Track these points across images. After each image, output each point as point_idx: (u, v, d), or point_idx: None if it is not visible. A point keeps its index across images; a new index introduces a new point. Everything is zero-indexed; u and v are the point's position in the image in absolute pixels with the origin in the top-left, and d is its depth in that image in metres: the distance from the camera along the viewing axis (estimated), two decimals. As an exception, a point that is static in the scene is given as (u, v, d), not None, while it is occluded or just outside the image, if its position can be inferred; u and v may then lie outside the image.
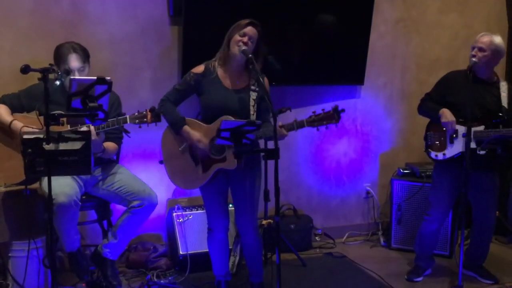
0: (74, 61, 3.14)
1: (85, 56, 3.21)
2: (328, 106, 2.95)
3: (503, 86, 3.52)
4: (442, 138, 3.56)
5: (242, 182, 3.12)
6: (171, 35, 3.95)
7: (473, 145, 3.39)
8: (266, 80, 3.11)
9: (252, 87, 3.05)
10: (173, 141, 3.15)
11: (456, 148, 3.49)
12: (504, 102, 3.47)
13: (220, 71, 3.07)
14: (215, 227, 3.22)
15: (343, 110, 2.93)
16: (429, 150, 3.65)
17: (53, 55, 3.22)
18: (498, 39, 3.44)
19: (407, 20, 4.62)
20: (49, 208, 2.58)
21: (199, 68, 3.10)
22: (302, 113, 4.32)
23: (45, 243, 3.35)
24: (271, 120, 2.87)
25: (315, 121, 2.93)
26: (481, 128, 3.42)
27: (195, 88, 3.09)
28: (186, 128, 3.05)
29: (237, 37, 2.96)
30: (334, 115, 2.92)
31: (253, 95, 3.04)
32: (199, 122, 3.09)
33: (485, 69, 3.48)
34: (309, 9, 4.13)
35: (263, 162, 3.31)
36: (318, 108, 3.03)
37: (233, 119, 2.93)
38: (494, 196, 3.60)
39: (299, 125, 2.94)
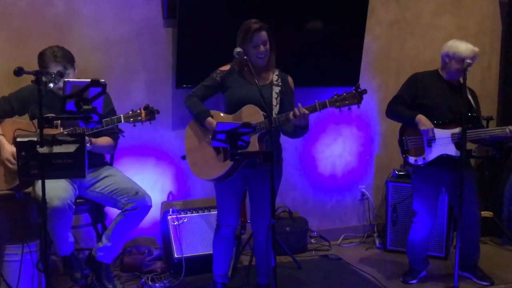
0: (55, 70, 3.09)
1: (67, 62, 3.16)
2: (326, 94, 2.95)
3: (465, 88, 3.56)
4: (420, 143, 3.55)
5: (261, 181, 3.11)
6: (166, 37, 3.94)
7: (452, 146, 3.42)
8: (291, 79, 3.21)
9: (275, 82, 3.12)
10: (197, 133, 3.18)
11: (435, 151, 3.49)
12: (472, 102, 3.53)
13: (244, 71, 3.12)
14: (223, 224, 3.22)
15: (365, 91, 2.89)
16: (407, 155, 3.58)
17: (37, 61, 3.19)
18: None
19: (402, 22, 4.63)
20: (43, 212, 2.55)
21: (226, 67, 3.16)
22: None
23: (39, 247, 3.33)
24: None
25: (337, 101, 2.90)
26: (458, 129, 3.43)
27: (221, 84, 3.14)
28: (210, 119, 3.08)
29: (252, 49, 3.01)
30: (356, 95, 2.88)
31: (276, 89, 3.09)
32: (223, 113, 3.14)
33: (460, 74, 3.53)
34: (303, 11, 4.14)
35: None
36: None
37: (257, 108, 2.98)
38: (474, 193, 3.58)
39: (321, 105, 2.92)
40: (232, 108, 3.10)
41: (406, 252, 3.84)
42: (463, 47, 3.48)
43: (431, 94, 3.54)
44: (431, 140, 3.49)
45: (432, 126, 3.46)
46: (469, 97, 3.55)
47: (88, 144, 3.09)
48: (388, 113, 3.70)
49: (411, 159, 3.56)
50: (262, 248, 3.27)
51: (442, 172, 3.50)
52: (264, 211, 3.15)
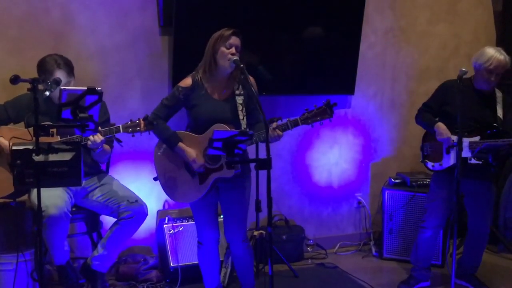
0: (58, 77, 3.09)
1: (69, 70, 3.19)
2: (320, 102, 2.92)
3: (499, 97, 3.54)
4: (439, 149, 3.57)
5: (231, 193, 3.09)
6: (162, 45, 3.94)
7: (468, 154, 3.42)
8: (252, 79, 3.04)
9: (237, 92, 3.03)
10: (168, 157, 3.10)
11: (453, 158, 3.49)
12: (499, 112, 3.49)
13: (207, 84, 3.04)
14: (205, 240, 3.19)
15: (335, 104, 2.89)
16: (426, 160, 3.67)
17: (36, 68, 3.18)
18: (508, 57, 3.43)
19: (397, 30, 4.65)
20: (39, 220, 2.54)
21: (187, 82, 3.05)
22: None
23: (34, 255, 3.30)
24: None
25: (309, 118, 2.90)
26: (477, 138, 3.43)
27: (184, 102, 3.05)
28: (181, 145, 3.01)
29: (224, 50, 2.93)
30: (327, 110, 2.88)
31: (239, 100, 3.02)
32: (191, 133, 3.06)
33: (487, 84, 3.49)
34: (299, 19, 4.15)
35: (254, 172, 3.28)
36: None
37: (226, 126, 2.93)
38: (489, 205, 3.62)
39: (293, 124, 2.91)
40: (200, 127, 3.02)
41: (410, 255, 3.84)
42: (486, 56, 3.39)
43: (457, 102, 3.51)
44: (450, 148, 3.49)
45: (450, 135, 3.45)
46: (499, 107, 3.51)
47: (99, 146, 3.09)
48: (416, 120, 3.75)
49: (429, 164, 3.65)
50: (240, 260, 3.23)
51: (462, 180, 3.38)
52: (238, 225, 3.13)
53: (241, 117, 3.01)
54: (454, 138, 3.47)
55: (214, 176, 3.00)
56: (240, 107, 3.02)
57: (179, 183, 3.10)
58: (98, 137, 2.99)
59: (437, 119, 3.57)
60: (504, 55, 3.40)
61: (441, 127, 3.49)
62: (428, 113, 3.63)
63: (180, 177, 3.09)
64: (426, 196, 3.81)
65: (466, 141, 3.45)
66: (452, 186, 3.48)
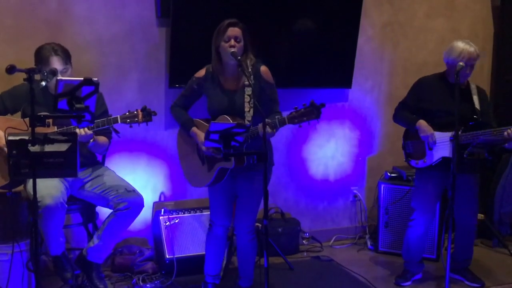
0: (56, 64, 3.10)
1: (66, 57, 3.17)
2: (319, 96, 2.88)
3: (473, 89, 3.56)
4: (421, 146, 3.57)
5: (244, 183, 3.13)
6: (159, 37, 3.92)
7: (451, 152, 3.41)
8: (264, 69, 3.08)
9: (246, 83, 3.03)
10: (186, 141, 3.23)
11: (436, 154, 3.51)
12: (477, 104, 3.51)
13: (220, 76, 3.11)
14: (215, 224, 3.25)
15: (323, 105, 2.80)
16: (409, 158, 3.67)
17: (34, 57, 3.17)
18: (478, 49, 3.46)
19: (395, 24, 4.64)
20: (34, 211, 2.54)
21: (201, 72, 3.15)
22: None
23: (29, 246, 3.30)
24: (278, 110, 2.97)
25: (295, 117, 2.83)
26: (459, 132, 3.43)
27: (199, 91, 3.17)
28: (194, 129, 3.12)
29: (224, 44, 2.98)
30: (313, 111, 2.79)
31: (248, 91, 3.01)
32: (204, 122, 3.15)
33: (461, 77, 3.47)
34: (297, 12, 4.14)
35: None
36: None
37: (228, 118, 2.96)
38: (475, 197, 3.62)
39: (281, 122, 2.88)
40: (212, 117, 3.12)
41: (402, 253, 3.85)
42: (457, 50, 3.42)
43: (433, 98, 3.53)
44: (432, 144, 3.50)
45: (432, 132, 3.47)
46: (475, 99, 3.52)
47: (91, 140, 3.08)
48: (394, 118, 3.76)
49: (413, 162, 3.64)
50: (243, 252, 3.28)
51: (446, 174, 3.44)
52: (245, 214, 3.17)
53: (246, 109, 3.02)
54: (436, 134, 3.48)
55: (218, 166, 3.04)
56: (247, 99, 3.02)
57: (192, 168, 3.22)
58: (84, 130, 2.98)
59: (414, 116, 3.57)
60: (474, 47, 3.44)
61: (423, 124, 3.50)
62: (406, 111, 3.64)
63: (195, 163, 3.19)
64: (412, 194, 3.79)
65: (447, 136, 3.45)
66: (437, 181, 3.55)
